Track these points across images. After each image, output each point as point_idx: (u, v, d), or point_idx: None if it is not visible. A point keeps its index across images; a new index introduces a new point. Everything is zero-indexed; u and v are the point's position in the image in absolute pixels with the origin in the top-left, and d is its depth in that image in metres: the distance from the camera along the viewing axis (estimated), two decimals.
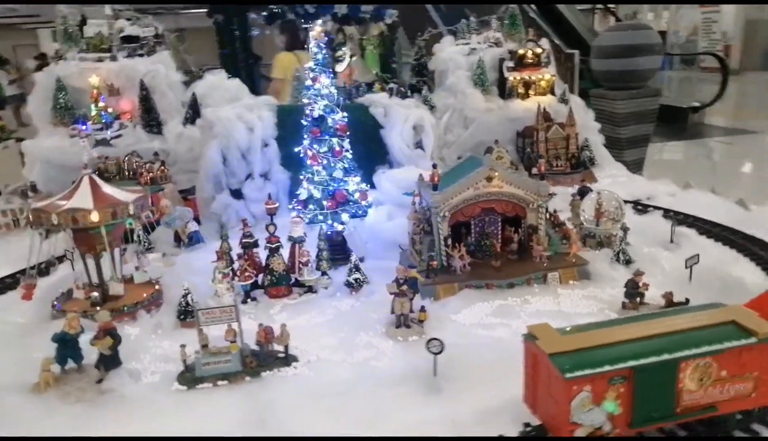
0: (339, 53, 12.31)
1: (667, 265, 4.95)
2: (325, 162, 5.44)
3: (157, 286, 4.94)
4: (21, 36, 29.44)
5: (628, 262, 5.06)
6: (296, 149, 5.57)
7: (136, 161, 7.27)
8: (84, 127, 7.69)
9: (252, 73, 13.27)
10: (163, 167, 7.32)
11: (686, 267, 4.65)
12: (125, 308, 4.58)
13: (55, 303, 4.71)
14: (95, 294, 4.66)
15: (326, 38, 5.47)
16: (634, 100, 10.12)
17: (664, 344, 2.77)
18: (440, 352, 3.61)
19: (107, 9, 8.35)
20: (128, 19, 8.73)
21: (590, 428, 2.78)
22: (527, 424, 3.06)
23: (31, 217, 4.43)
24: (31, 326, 4.57)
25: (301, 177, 5.58)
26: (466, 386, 3.56)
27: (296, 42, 10.08)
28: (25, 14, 23.76)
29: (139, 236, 5.87)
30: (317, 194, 5.44)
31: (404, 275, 4.31)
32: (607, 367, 2.69)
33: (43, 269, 5.00)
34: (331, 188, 5.44)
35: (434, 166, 4.99)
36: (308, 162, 5.43)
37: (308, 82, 5.43)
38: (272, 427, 3.28)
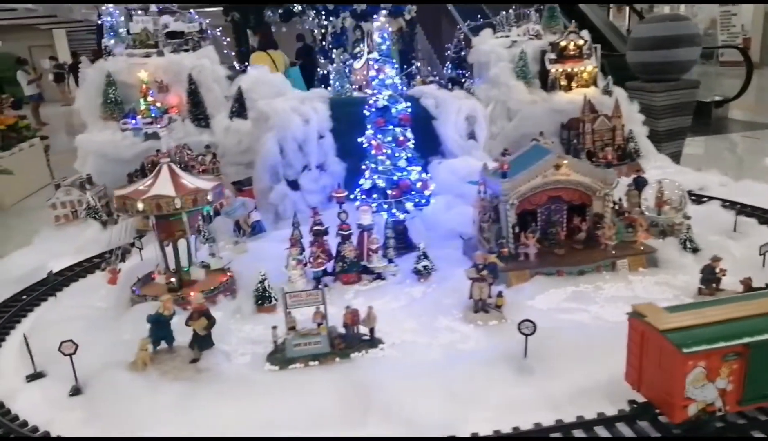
0: (357, 50, 12.43)
1: (737, 253, 4.98)
2: (389, 152, 5.50)
3: (230, 273, 5.03)
4: (37, 36, 29.77)
5: (695, 250, 5.09)
6: (359, 139, 5.63)
7: (188, 153, 7.38)
8: (134, 121, 7.82)
9: None
10: (214, 159, 7.44)
11: (760, 254, 4.69)
12: (206, 293, 4.66)
13: (134, 288, 4.81)
14: (173, 279, 4.76)
15: (389, 29, 5.50)
16: (672, 92, 10.08)
17: None
18: (532, 334, 3.67)
19: (152, 6, 8.45)
20: (172, 15, 8.85)
21: (702, 404, 2.83)
22: (632, 401, 3.11)
23: (115, 203, 4.52)
24: (113, 310, 4.69)
25: (364, 167, 5.65)
26: (558, 367, 3.62)
27: (269, 42, 10.66)
28: (42, 15, 23.99)
29: (199, 226, 5.97)
30: (381, 183, 5.50)
31: (483, 261, 4.37)
32: (722, 343, 2.74)
33: (119, 256, 5.10)
34: (395, 178, 5.50)
35: (503, 154, 5.04)
36: (372, 152, 5.49)
37: (372, 73, 5.49)
38: (376, 404, 3.36)
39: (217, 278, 4.92)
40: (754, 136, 15.05)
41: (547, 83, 8.59)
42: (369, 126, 5.58)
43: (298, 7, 14.18)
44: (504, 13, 9.35)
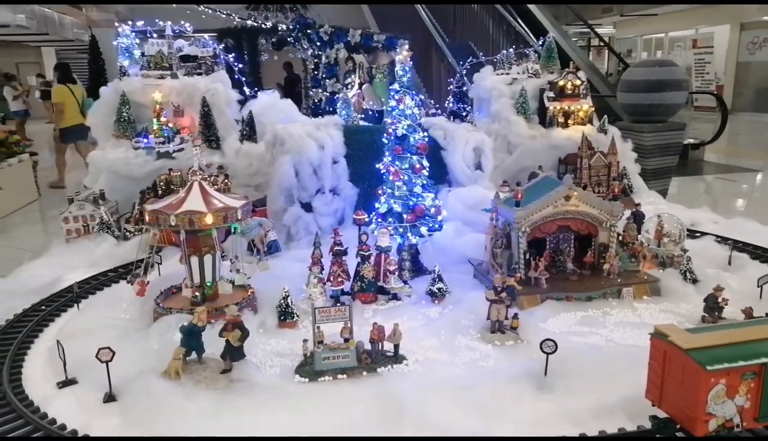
0: (348, 80, 12.81)
1: (734, 285, 5.27)
2: (405, 178, 5.73)
3: (251, 289, 5.16)
4: (25, 53, 29.76)
5: (695, 281, 5.38)
6: (377, 165, 5.86)
7: (201, 174, 7.51)
8: (146, 140, 7.97)
9: None
10: (226, 180, 7.60)
11: (758, 285, 4.98)
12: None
13: (158, 300, 4.92)
14: (197, 293, 4.88)
15: (411, 62, 5.80)
16: (660, 133, 10.58)
17: None
18: (553, 352, 3.87)
19: (168, 29, 8.68)
20: (186, 39, 9.08)
21: (722, 419, 3.05)
22: (654, 417, 3.31)
23: (147, 217, 4.66)
24: (139, 321, 4.78)
25: (380, 191, 5.87)
26: (577, 385, 3.82)
27: (68, 77, 12.37)
28: (33, 32, 24.05)
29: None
30: (398, 208, 5.72)
31: (502, 283, 4.59)
32: (741, 363, 2.98)
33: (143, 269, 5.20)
34: (411, 203, 5.73)
35: (518, 184, 5.31)
36: (390, 178, 5.71)
37: (392, 103, 5.76)
38: (409, 415, 3.51)
39: (240, 294, 5.05)
40: (729, 178, 15.68)
41: (545, 120, 8.96)
42: (387, 153, 5.83)
43: (291, 37, 14.54)
44: (504, 52, 9.77)
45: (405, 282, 5.46)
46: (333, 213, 6.82)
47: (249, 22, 14.91)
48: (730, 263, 5.84)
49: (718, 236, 6.59)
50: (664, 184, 11.04)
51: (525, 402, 3.71)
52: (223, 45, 14.26)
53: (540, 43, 9.81)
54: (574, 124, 8.98)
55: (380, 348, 4.22)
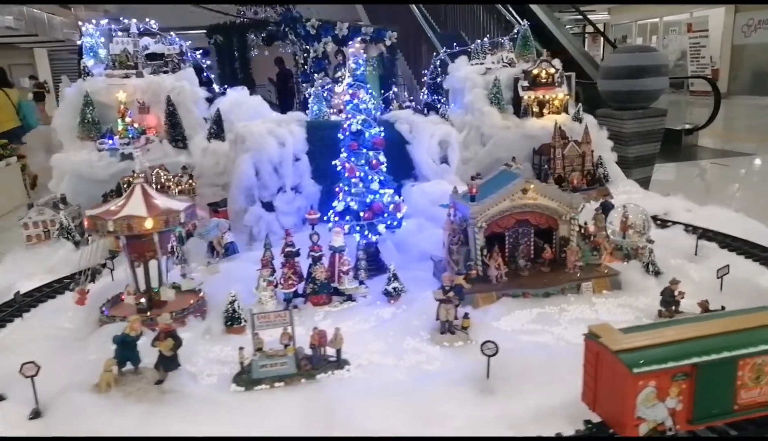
0: (338, 74, 12.67)
1: (696, 276, 5.13)
2: (362, 174, 5.60)
3: (201, 294, 5.05)
4: (17, 55, 29.61)
5: (657, 273, 5.24)
6: (333, 162, 5.73)
7: (165, 175, 7.42)
8: (111, 141, 7.84)
9: (250, 93, 13.56)
10: (191, 180, 7.48)
11: (717, 277, 4.84)
12: (173, 314, 4.68)
13: (103, 308, 4.81)
14: (143, 300, 4.77)
15: (364, 54, 5.64)
16: (640, 119, 10.40)
17: (724, 342, 2.93)
18: (494, 355, 3.74)
19: (132, 27, 8.53)
20: (152, 37, 8.93)
21: (653, 423, 2.92)
22: (588, 422, 3.19)
23: (86, 223, 4.54)
24: (80, 331, 4.67)
25: (337, 189, 5.74)
26: (519, 388, 3.68)
27: (3, 81, 13.02)
28: (23, 33, 23.94)
29: (173, 247, 5.98)
30: (354, 205, 5.59)
31: (450, 282, 4.46)
32: (671, 364, 2.84)
33: (89, 276, 5.08)
34: (368, 200, 5.59)
35: (473, 178, 5.17)
36: (346, 174, 5.58)
37: (347, 98, 5.61)
38: (339, 423, 3.39)
39: (188, 299, 4.93)
40: (722, 163, 15.49)
41: (519, 110, 8.79)
42: (343, 149, 5.69)
43: (280, 31, 14.41)
44: (479, 41, 9.59)
45: (361, 282, 5.34)
46: (295, 211, 6.68)
47: (236, 18, 14.75)
48: (696, 253, 5.69)
49: (687, 225, 6.43)
50: (646, 173, 10.88)
51: (465, 406, 3.58)
52: (212, 41, 14.20)
53: (515, 31, 9.60)
54: (549, 113, 8.81)
55: (322, 353, 4.10)
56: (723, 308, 4.32)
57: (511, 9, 15.65)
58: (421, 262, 5.86)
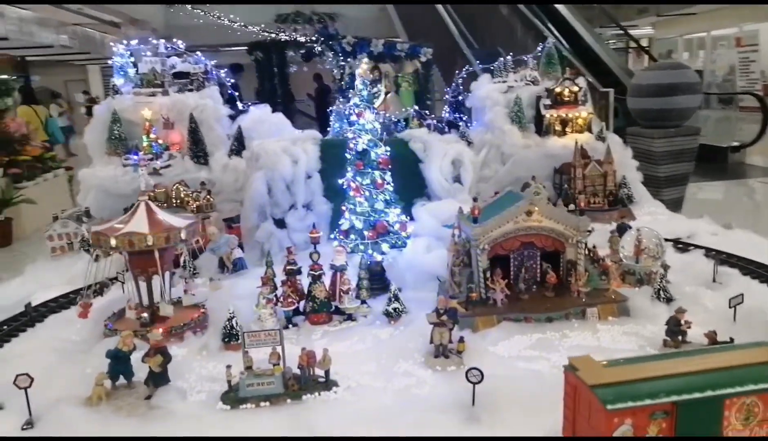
0: (374, 90, 12.75)
1: (710, 304, 4.90)
2: (367, 194, 5.60)
3: (203, 309, 5.12)
4: (72, 72, 31.08)
5: (669, 300, 5.03)
6: (339, 181, 5.74)
7: (184, 190, 7.59)
8: (136, 157, 8.09)
9: (289, 108, 13.78)
10: (208, 196, 7.62)
11: (730, 307, 4.61)
12: (173, 329, 4.76)
13: (107, 322, 4.93)
14: (145, 315, 4.86)
15: (371, 76, 5.67)
16: (671, 138, 10.09)
17: (708, 380, 2.78)
18: (480, 382, 3.66)
19: (161, 47, 8.81)
20: (179, 56, 9.20)
21: None
22: None
23: (91, 239, 4.68)
24: (85, 344, 4.78)
25: (343, 208, 5.75)
26: (504, 417, 3.58)
27: (31, 98, 13.67)
28: (76, 51, 25.09)
29: (185, 262, 6.10)
30: (359, 224, 5.59)
31: (444, 306, 4.39)
32: (648, 401, 2.71)
33: (97, 290, 5.23)
34: (372, 219, 5.59)
35: (475, 200, 5.11)
36: (351, 193, 5.59)
37: (353, 118, 5.64)
38: None
39: (190, 314, 5.01)
40: None
41: (541, 128, 8.65)
42: (349, 168, 5.71)
43: (318, 48, 14.64)
44: (502, 59, 9.51)
45: (363, 302, 5.31)
46: (306, 229, 6.64)
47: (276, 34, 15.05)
48: (714, 280, 5.44)
49: (709, 249, 6.17)
50: (679, 193, 10.54)
51: (446, 434, 3.50)
52: (253, 57, 14.55)
53: (539, 49, 9.48)
54: (572, 132, 8.64)
55: (311, 374, 4.08)
56: (732, 340, 4.12)
57: (550, 25, 15.49)
58: (427, 282, 5.78)
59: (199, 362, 4.50)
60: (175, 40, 9.02)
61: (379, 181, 5.62)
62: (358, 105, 5.60)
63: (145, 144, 8.14)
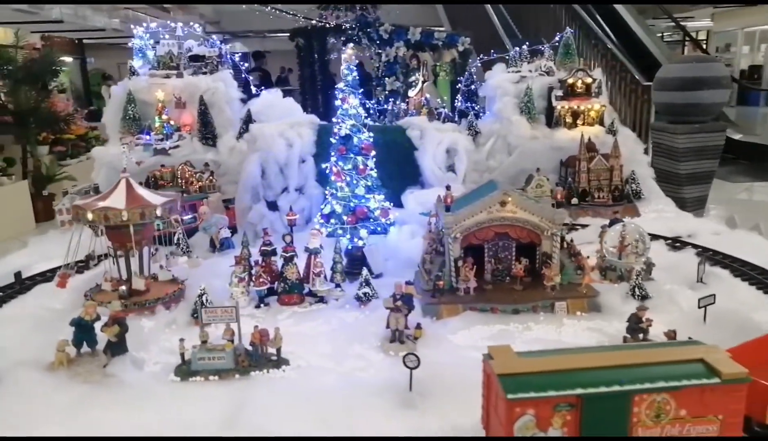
0: (412, 79, 12.71)
1: (685, 304, 4.72)
2: (348, 179, 5.63)
3: (180, 285, 5.28)
4: (124, 54, 31.98)
5: (644, 297, 4.87)
6: (323, 165, 5.80)
7: (189, 170, 7.80)
8: (148, 137, 8.35)
9: (329, 93, 13.85)
10: (211, 177, 7.80)
11: (699, 307, 4.44)
12: (147, 303, 4.93)
13: (87, 293, 5.15)
14: (123, 288, 5.06)
15: (356, 61, 5.68)
16: (695, 134, 9.63)
17: (617, 375, 2.70)
18: (416, 368, 3.66)
19: (178, 30, 9.03)
20: (196, 39, 9.41)
21: None
22: None
23: (72, 213, 4.89)
24: (65, 313, 5.00)
25: (326, 192, 5.80)
26: (437, 404, 3.59)
27: None
28: (125, 34, 25.92)
29: (178, 239, 6.30)
30: (339, 209, 5.63)
31: (400, 291, 4.39)
32: (551, 393, 2.66)
33: (83, 263, 5.45)
34: (352, 204, 5.62)
35: (448, 188, 5.07)
36: (332, 178, 5.63)
37: (337, 103, 5.67)
38: (241, 422, 3.44)
39: (164, 289, 5.17)
40: None
41: (552, 120, 8.46)
42: (332, 153, 5.75)
43: (356, 35, 14.65)
44: (517, 48, 9.32)
45: (337, 285, 5.36)
46: (298, 212, 6.79)
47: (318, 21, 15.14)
48: (699, 280, 5.23)
49: (705, 249, 5.93)
50: (702, 190, 10.08)
51: (377, 417, 3.52)
52: (295, 43, 14.71)
53: (557, 38, 9.24)
54: (583, 124, 8.42)
55: (263, 351, 4.17)
56: (690, 339, 3.96)
57: (598, 17, 14.97)
58: (409, 268, 5.78)
59: (166, 335, 4.66)
60: (192, 23, 9.22)
61: (362, 166, 5.64)
62: (343, 90, 5.62)
63: (157, 124, 8.38)
